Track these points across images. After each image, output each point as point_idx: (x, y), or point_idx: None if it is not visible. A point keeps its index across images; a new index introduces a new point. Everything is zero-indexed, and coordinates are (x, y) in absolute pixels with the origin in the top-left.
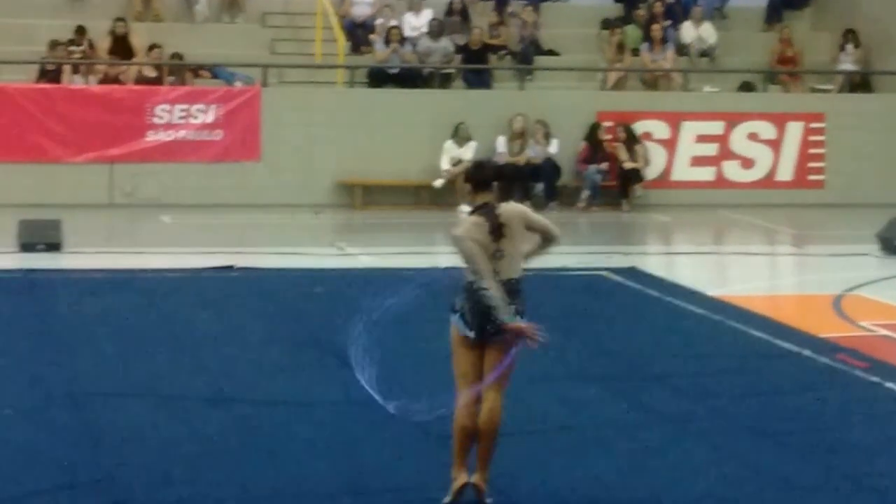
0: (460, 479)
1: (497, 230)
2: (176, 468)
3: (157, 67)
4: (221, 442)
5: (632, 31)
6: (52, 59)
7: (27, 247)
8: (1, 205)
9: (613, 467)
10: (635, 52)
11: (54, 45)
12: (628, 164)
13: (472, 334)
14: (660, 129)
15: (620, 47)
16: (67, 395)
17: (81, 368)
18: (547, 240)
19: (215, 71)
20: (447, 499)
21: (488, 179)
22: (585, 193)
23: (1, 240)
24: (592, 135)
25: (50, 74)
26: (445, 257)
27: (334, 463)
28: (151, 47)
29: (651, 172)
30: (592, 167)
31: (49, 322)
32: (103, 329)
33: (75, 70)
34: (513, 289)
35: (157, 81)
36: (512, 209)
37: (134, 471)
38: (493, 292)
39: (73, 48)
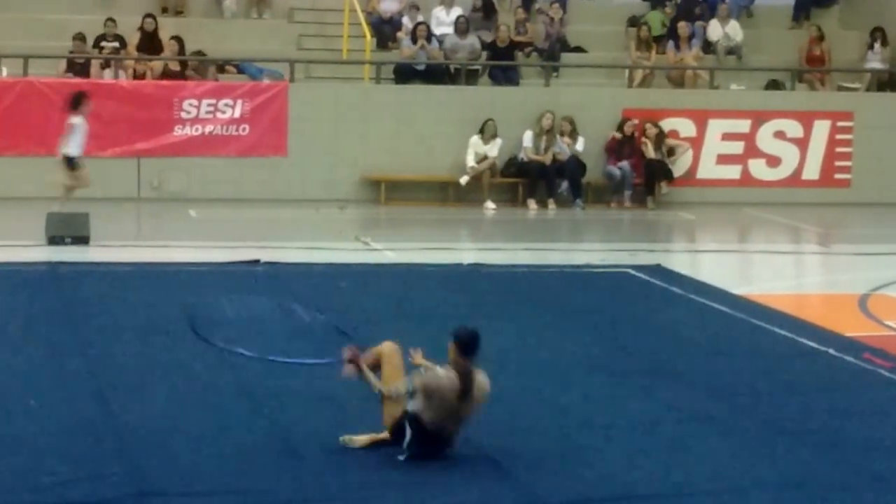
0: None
1: (465, 395)
2: (201, 460)
3: (182, 62)
4: (247, 435)
5: (653, 18)
6: (81, 55)
7: (55, 240)
8: (29, 198)
9: (635, 464)
10: (658, 39)
11: (80, 37)
12: (676, 150)
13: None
14: (686, 126)
15: (647, 44)
16: (94, 388)
17: (108, 361)
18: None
19: (242, 66)
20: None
21: (475, 349)
22: (627, 193)
23: (29, 233)
24: (621, 128)
25: (78, 69)
26: (469, 253)
27: (357, 457)
28: (171, 38)
29: (677, 170)
30: (616, 167)
31: (76, 315)
32: (130, 322)
33: (105, 65)
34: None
35: (183, 76)
36: (484, 383)
37: (160, 462)
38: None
39: (104, 44)
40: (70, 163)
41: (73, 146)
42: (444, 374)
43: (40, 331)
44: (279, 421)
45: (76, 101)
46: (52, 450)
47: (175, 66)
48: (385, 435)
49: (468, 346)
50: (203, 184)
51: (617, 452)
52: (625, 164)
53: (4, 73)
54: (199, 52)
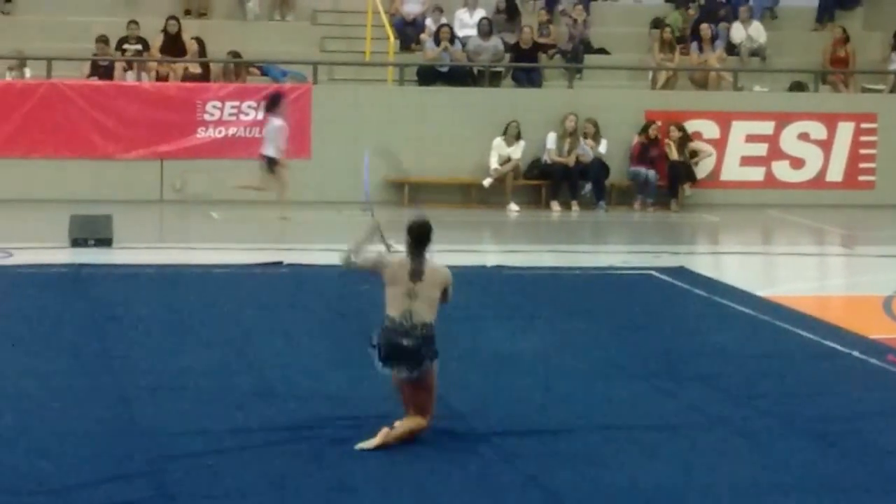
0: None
1: (417, 274)
2: (223, 461)
3: (205, 66)
4: (267, 436)
5: (675, 18)
6: (105, 57)
7: (78, 242)
8: (52, 200)
9: (658, 467)
10: (680, 40)
11: (103, 40)
12: (700, 152)
13: (387, 372)
14: (709, 128)
15: (670, 46)
16: (116, 389)
17: (130, 363)
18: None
19: (265, 69)
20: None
21: (426, 239)
22: (648, 200)
23: (52, 235)
24: (645, 130)
25: (102, 71)
26: (493, 255)
27: (380, 460)
28: (192, 39)
29: (700, 172)
30: (642, 169)
31: (99, 317)
32: (152, 324)
33: (128, 67)
34: (427, 334)
35: (205, 78)
36: (438, 269)
37: (182, 463)
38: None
39: (126, 46)
40: (270, 164)
41: (272, 147)
42: (397, 257)
43: (63, 333)
44: (301, 422)
45: (273, 102)
46: (75, 452)
47: (196, 69)
48: (394, 429)
49: (419, 237)
50: (226, 186)
51: (639, 455)
52: (650, 171)
53: (28, 74)
54: (236, 54)
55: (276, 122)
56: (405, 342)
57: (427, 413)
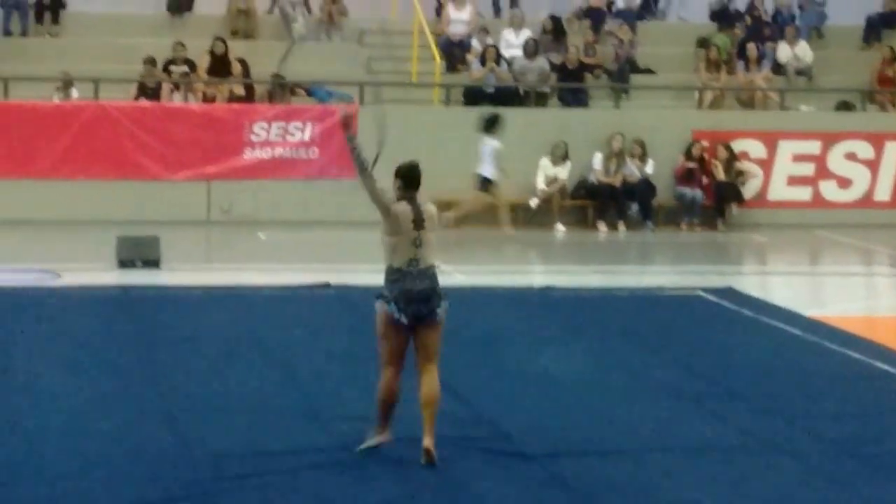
0: (384, 435)
1: (419, 222)
2: (272, 483)
3: (249, 87)
4: (316, 457)
5: (722, 40)
6: (151, 78)
7: (125, 263)
8: (100, 221)
9: (705, 488)
10: (727, 62)
11: (150, 61)
12: (745, 175)
13: (405, 320)
14: (756, 148)
15: (716, 65)
16: (164, 410)
17: (178, 384)
18: None
19: (311, 89)
20: (363, 445)
21: (418, 180)
22: (695, 220)
23: (100, 256)
24: (690, 150)
25: (149, 92)
26: (540, 276)
27: (428, 480)
28: (237, 60)
29: (747, 192)
30: (689, 190)
31: (146, 338)
32: (200, 345)
33: (175, 88)
34: (434, 274)
35: (250, 99)
36: (430, 209)
37: (230, 485)
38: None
39: (173, 67)
40: (484, 184)
41: (488, 168)
42: (400, 206)
43: (111, 354)
44: (350, 444)
45: (490, 124)
46: (124, 473)
47: (241, 90)
48: (386, 436)
49: (409, 178)
50: (273, 206)
51: (688, 476)
52: (696, 191)
53: (75, 96)
54: (278, 76)
55: (493, 143)
56: (419, 286)
57: (436, 358)
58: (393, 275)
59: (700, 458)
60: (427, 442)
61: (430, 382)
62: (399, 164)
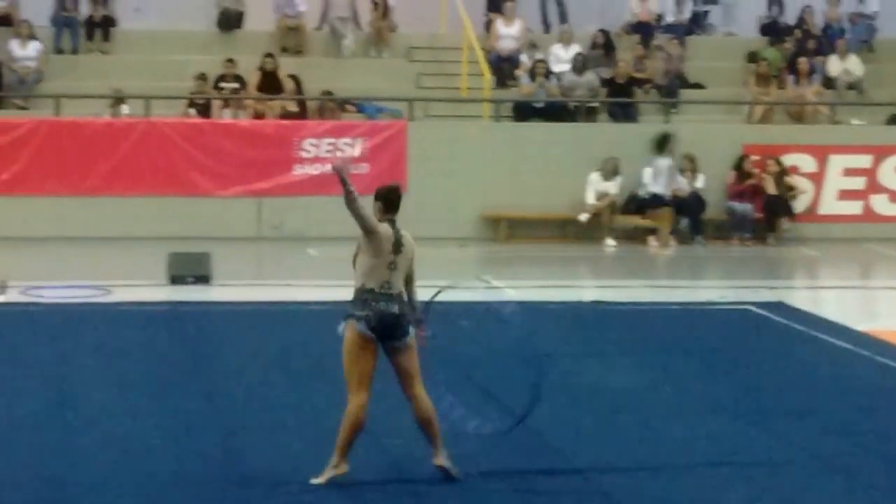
0: (342, 467)
1: (398, 246)
2: (323, 499)
3: (301, 103)
4: (368, 474)
5: (772, 55)
6: (202, 95)
7: (177, 279)
8: (151, 238)
9: (759, 503)
10: (777, 77)
11: (202, 78)
12: (793, 190)
13: (374, 335)
14: (807, 162)
15: (766, 79)
16: (217, 427)
17: (230, 400)
18: (409, 283)
19: (361, 105)
20: (319, 480)
21: (397, 203)
22: (745, 234)
23: (151, 272)
24: (740, 165)
25: (199, 109)
26: (590, 291)
27: (478, 495)
28: (288, 77)
29: (798, 206)
30: (739, 204)
31: (198, 354)
32: (250, 361)
33: (225, 105)
34: (404, 300)
35: (301, 116)
36: (410, 239)
37: (281, 501)
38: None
39: (223, 84)
40: (655, 201)
41: (658, 185)
42: (382, 227)
43: (162, 370)
44: (401, 460)
45: (662, 143)
46: (176, 489)
47: (292, 107)
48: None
49: (389, 201)
50: (323, 222)
51: (738, 492)
52: (747, 205)
53: (126, 112)
54: (328, 92)
55: (664, 161)
56: (391, 308)
57: (419, 377)
58: (364, 294)
59: (751, 473)
60: (441, 460)
61: (423, 401)
62: (379, 187)
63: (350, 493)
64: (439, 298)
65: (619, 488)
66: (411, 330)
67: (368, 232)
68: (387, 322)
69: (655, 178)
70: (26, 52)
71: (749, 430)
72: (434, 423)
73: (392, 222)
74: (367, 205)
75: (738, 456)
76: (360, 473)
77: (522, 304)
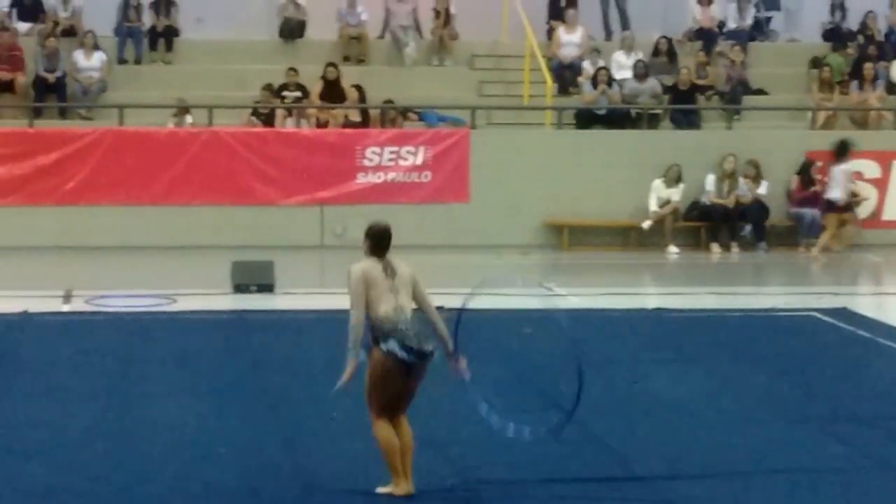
0: (403, 487)
1: (387, 269)
2: None
3: (364, 112)
4: (432, 482)
5: (835, 60)
6: (265, 104)
7: (240, 288)
8: (215, 246)
9: None
10: (840, 83)
11: (267, 88)
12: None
13: (412, 358)
14: (870, 168)
15: (829, 85)
16: (281, 435)
17: (293, 408)
18: (430, 314)
19: (422, 115)
20: (386, 490)
21: (387, 245)
22: (810, 240)
23: (215, 281)
24: (805, 170)
25: (262, 118)
26: (653, 298)
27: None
28: (352, 87)
29: (862, 212)
30: (804, 210)
31: (262, 362)
32: (314, 369)
33: (288, 114)
34: (412, 321)
35: (364, 125)
36: (403, 266)
37: None
38: (355, 328)
39: (286, 93)
40: (829, 206)
41: (837, 191)
42: (357, 267)
43: (227, 378)
44: (466, 468)
45: (842, 150)
46: (241, 498)
47: (355, 115)
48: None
49: (377, 242)
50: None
51: (804, 498)
52: (812, 211)
53: (190, 121)
54: (389, 101)
55: (844, 167)
56: (412, 330)
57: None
58: (385, 323)
59: (816, 480)
60: (410, 486)
61: (408, 431)
62: (370, 225)
63: (410, 500)
64: (487, 305)
65: (684, 496)
66: (435, 350)
67: (358, 297)
68: (412, 343)
69: (833, 183)
70: (90, 62)
71: (815, 436)
72: (411, 452)
73: (381, 257)
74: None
75: (804, 463)
76: (423, 482)
77: (585, 312)
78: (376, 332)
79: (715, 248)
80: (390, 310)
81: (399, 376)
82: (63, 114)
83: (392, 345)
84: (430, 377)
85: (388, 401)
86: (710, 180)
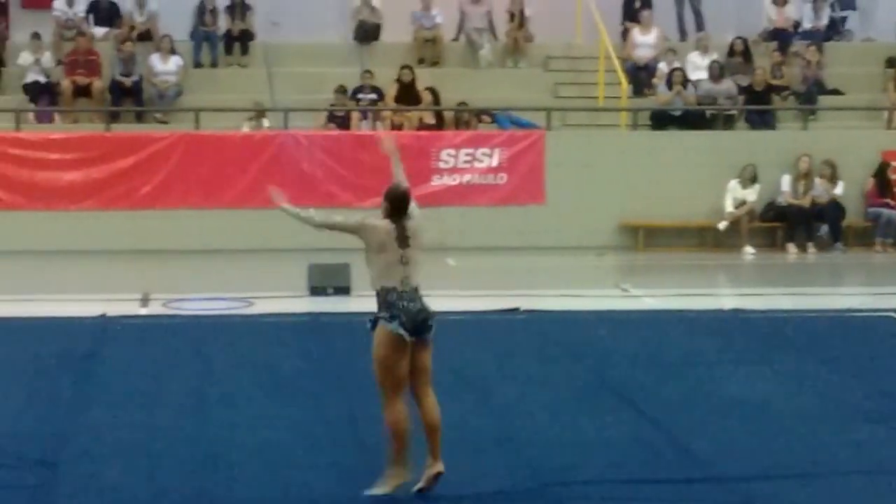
0: (401, 475)
1: (403, 239)
2: None
3: (438, 114)
4: (508, 483)
5: None
6: (340, 107)
7: (317, 290)
8: (292, 249)
9: None
10: None
11: (341, 90)
12: None
13: (410, 338)
14: None
15: None
16: (358, 437)
17: (369, 411)
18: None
19: (496, 117)
20: (378, 491)
21: (405, 209)
22: (888, 240)
23: (292, 284)
24: (881, 171)
25: (337, 121)
26: (729, 299)
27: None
28: (426, 89)
29: None
30: (882, 210)
31: (338, 365)
32: None
33: (363, 117)
34: (422, 296)
35: (439, 127)
36: (419, 230)
37: None
38: (309, 217)
39: (361, 96)
40: None
41: None
42: (371, 219)
43: (304, 381)
44: (543, 469)
45: None
46: (324, 500)
47: (430, 118)
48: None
49: (395, 205)
50: (461, 232)
51: (883, 500)
52: (890, 211)
53: (266, 125)
54: (462, 104)
55: None
56: (416, 305)
57: (431, 379)
58: (389, 295)
59: (894, 482)
60: (440, 467)
61: (433, 406)
62: (390, 187)
63: (484, 500)
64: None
65: (764, 497)
66: (434, 324)
67: (356, 230)
68: (418, 319)
69: None
70: (167, 66)
71: (891, 437)
72: (439, 430)
73: (399, 220)
74: (341, 212)
75: (882, 464)
76: (500, 482)
77: (664, 312)
78: (379, 305)
79: (791, 248)
80: (398, 282)
81: (402, 353)
82: (139, 118)
83: (393, 324)
84: (505, 379)
85: (397, 378)
86: (786, 181)
